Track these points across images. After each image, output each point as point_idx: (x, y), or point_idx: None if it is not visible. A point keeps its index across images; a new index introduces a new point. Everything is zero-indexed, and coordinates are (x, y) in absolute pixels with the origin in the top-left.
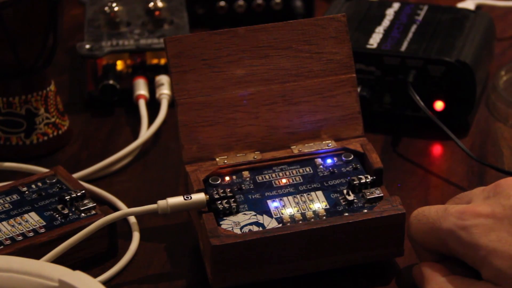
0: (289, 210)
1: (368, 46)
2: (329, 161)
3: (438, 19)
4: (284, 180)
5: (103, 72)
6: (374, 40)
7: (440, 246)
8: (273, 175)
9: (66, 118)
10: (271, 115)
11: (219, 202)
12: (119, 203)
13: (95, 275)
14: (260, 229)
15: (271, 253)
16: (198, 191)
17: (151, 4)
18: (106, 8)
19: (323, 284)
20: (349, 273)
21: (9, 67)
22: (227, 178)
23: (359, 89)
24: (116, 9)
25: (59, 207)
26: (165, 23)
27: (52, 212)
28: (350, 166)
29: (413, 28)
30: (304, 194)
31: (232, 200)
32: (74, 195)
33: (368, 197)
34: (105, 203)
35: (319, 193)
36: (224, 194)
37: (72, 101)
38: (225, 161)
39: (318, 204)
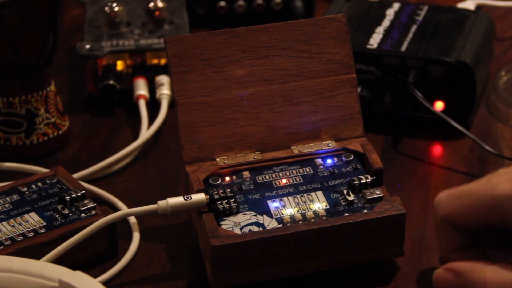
0: (289, 210)
1: (368, 46)
2: (329, 161)
3: (438, 19)
4: (284, 180)
5: (103, 72)
6: (374, 40)
7: (490, 216)
8: (273, 175)
9: (66, 118)
10: (271, 115)
11: (219, 202)
12: (119, 203)
13: (95, 275)
14: (260, 229)
15: (271, 253)
16: (198, 191)
17: (151, 4)
18: (106, 8)
19: (323, 284)
20: (349, 273)
21: (9, 67)
22: (227, 178)
23: (359, 89)
24: (116, 9)
25: (59, 207)
26: (165, 23)
27: (52, 212)
28: (350, 166)
29: (413, 28)
30: (304, 194)
31: (232, 200)
32: (74, 195)
33: (368, 197)
34: (105, 203)
35: (319, 193)
36: (224, 194)
37: (72, 101)
38: (225, 161)
39: (318, 204)
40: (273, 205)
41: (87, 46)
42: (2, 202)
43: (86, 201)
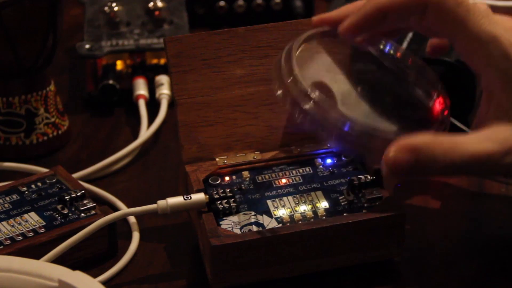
0: (289, 210)
1: None
2: (328, 161)
3: None
4: (284, 180)
5: (103, 72)
6: None
7: None
8: (273, 175)
9: (66, 118)
10: (271, 115)
11: (219, 202)
12: (119, 203)
13: (95, 275)
14: (260, 229)
15: (270, 253)
16: (198, 191)
17: (151, 4)
18: (106, 8)
19: (323, 284)
20: (349, 273)
21: (9, 67)
22: (227, 178)
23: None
24: (115, 9)
25: (59, 207)
26: (165, 23)
27: (52, 212)
28: (350, 166)
29: None
30: (304, 194)
31: (232, 200)
32: (74, 195)
33: (368, 197)
34: (105, 203)
35: (319, 193)
36: (224, 194)
37: (72, 101)
38: (225, 161)
39: (318, 204)
40: (273, 204)
41: (87, 46)
42: (2, 202)
43: (85, 201)
